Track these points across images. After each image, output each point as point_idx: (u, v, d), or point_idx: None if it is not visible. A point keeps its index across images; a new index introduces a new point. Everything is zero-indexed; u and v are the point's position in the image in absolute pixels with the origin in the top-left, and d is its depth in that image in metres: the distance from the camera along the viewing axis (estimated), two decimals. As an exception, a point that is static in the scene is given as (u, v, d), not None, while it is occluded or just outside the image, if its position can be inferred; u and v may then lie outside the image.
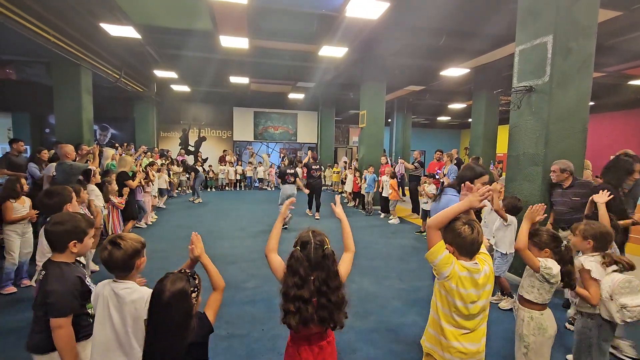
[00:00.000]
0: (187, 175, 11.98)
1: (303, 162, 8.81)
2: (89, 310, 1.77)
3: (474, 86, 10.46)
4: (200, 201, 10.00)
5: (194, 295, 1.37)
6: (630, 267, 2.13)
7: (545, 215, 2.48)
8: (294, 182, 7.27)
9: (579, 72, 3.92)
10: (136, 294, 1.54)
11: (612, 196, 2.73)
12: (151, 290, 1.53)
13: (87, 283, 1.77)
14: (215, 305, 1.54)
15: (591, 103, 4.21)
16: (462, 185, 1.84)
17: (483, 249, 1.72)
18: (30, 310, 1.76)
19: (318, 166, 8.50)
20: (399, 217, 8.06)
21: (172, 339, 1.30)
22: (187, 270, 1.45)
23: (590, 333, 2.13)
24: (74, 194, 2.63)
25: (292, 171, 7.37)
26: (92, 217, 4.32)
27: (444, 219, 1.67)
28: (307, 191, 7.94)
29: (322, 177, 9.02)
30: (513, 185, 4.32)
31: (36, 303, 1.67)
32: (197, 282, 1.42)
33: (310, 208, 8.60)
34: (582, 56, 3.90)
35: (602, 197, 2.69)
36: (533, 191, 4.05)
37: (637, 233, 6.82)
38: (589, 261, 2.12)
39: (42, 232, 2.34)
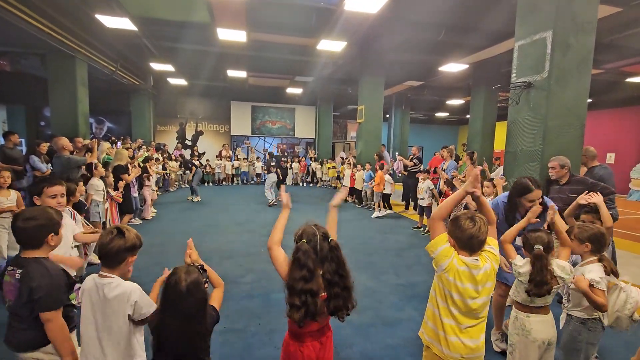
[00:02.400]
0: (186, 171, 11.54)
1: (270, 153, 10.55)
2: (73, 302, 1.80)
3: (473, 82, 10.44)
4: (200, 199, 9.31)
5: (205, 285, 1.45)
6: (615, 274, 2.12)
7: (538, 220, 2.45)
8: (275, 172, 9.07)
9: (578, 68, 3.90)
10: (119, 289, 1.52)
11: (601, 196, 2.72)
12: (134, 285, 1.55)
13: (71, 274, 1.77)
14: (219, 299, 1.62)
15: (589, 100, 4.20)
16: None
17: (492, 247, 1.69)
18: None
19: (286, 158, 11.15)
20: (391, 211, 8.15)
21: (193, 325, 1.36)
22: (196, 264, 1.51)
23: (580, 337, 2.12)
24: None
25: (274, 163, 9.15)
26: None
27: (445, 209, 1.73)
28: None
29: (287, 167, 11.21)
30: (510, 182, 4.33)
31: (18, 303, 1.58)
32: (206, 273, 1.51)
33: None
34: (581, 52, 3.89)
35: (598, 197, 2.64)
36: (530, 187, 4.06)
37: (626, 229, 6.89)
38: (591, 272, 2.03)
39: None
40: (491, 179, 4.45)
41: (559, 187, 3.66)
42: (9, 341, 1.64)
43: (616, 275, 2.10)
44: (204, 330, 1.41)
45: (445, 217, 1.72)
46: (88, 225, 3.63)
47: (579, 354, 2.14)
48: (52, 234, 1.68)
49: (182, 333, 1.35)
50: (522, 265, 2.04)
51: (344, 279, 1.56)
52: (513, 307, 2.17)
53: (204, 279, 1.46)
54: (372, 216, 7.95)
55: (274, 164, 9.03)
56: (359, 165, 9.28)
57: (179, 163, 11.44)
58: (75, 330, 1.78)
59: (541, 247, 1.97)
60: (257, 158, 14.35)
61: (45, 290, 1.56)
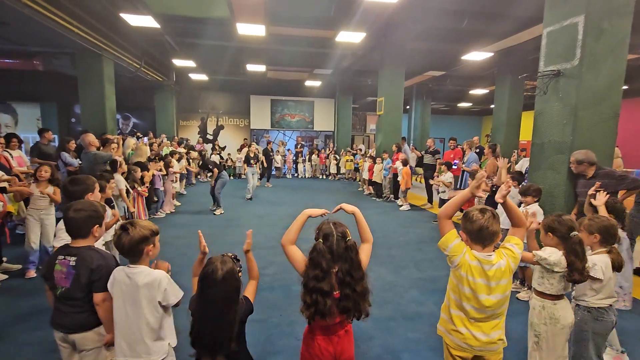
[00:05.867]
0: (209, 174, 10.45)
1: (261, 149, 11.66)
2: None
3: (498, 71, 10.09)
4: (222, 212, 7.27)
5: (240, 275, 1.53)
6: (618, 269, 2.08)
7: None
8: (253, 166, 9.06)
9: (612, 54, 3.69)
10: (148, 277, 1.61)
11: (608, 196, 2.64)
12: (162, 273, 1.65)
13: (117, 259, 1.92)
14: (253, 291, 1.71)
15: (624, 87, 3.97)
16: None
17: (514, 246, 1.67)
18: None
19: (272, 152, 12.32)
20: (409, 204, 8.08)
21: (225, 313, 1.44)
22: (230, 254, 1.58)
23: (586, 327, 2.10)
24: (97, 185, 2.66)
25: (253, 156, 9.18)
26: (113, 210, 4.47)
27: (451, 208, 1.70)
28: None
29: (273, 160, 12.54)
30: (537, 174, 4.18)
31: (77, 286, 1.71)
32: (240, 263, 1.59)
33: (262, 179, 11.37)
34: (615, 37, 3.67)
35: (600, 199, 2.59)
36: (558, 181, 3.91)
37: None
38: (590, 261, 2.03)
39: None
40: (516, 173, 4.27)
41: (585, 182, 3.53)
42: (59, 324, 1.77)
43: (619, 270, 2.08)
44: (236, 317, 1.48)
45: (451, 215, 1.71)
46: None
47: (586, 345, 2.10)
48: (97, 225, 1.84)
49: (219, 319, 1.43)
50: (549, 255, 1.97)
51: (355, 282, 1.55)
52: (535, 297, 2.12)
53: (238, 269, 1.53)
54: (400, 208, 7.88)
55: (253, 157, 9.11)
56: (377, 159, 9.20)
57: (197, 162, 10.05)
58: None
59: (577, 232, 1.95)
60: (276, 151, 14.48)
61: (104, 271, 1.72)
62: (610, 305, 2.11)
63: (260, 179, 11.17)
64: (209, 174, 8.20)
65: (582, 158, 3.49)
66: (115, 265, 1.84)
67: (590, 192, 2.89)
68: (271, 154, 11.82)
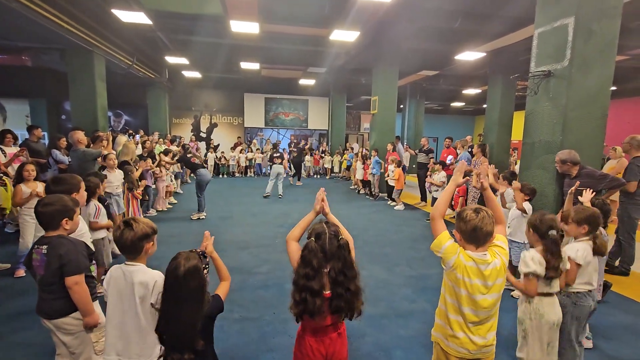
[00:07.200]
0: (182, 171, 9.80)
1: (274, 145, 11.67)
2: (93, 273, 2.02)
3: (490, 71, 10.16)
4: (204, 217, 6.62)
5: (205, 272, 1.50)
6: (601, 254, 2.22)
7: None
8: (280, 163, 8.79)
9: (602, 55, 3.76)
10: (145, 275, 1.61)
11: (594, 193, 2.71)
12: (160, 273, 1.62)
13: (90, 246, 1.97)
14: (225, 291, 1.67)
15: (613, 88, 4.05)
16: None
17: (502, 243, 1.68)
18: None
19: (297, 149, 12.58)
20: (404, 203, 8.12)
21: (188, 309, 1.41)
22: (198, 250, 1.56)
23: (565, 310, 2.17)
24: (82, 183, 2.59)
25: (278, 154, 8.97)
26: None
27: (442, 206, 1.72)
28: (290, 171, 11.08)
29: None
30: (527, 174, 4.24)
31: (49, 273, 1.78)
32: (207, 260, 1.56)
33: (293, 177, 11.93)
34: (605, 39, 3.73)
35: (586, 196, 2.67)
36: (548, 180, 3.97)
37: None
38: (573, 248, 2.16)
39: None
40: (508, 173, 4.29)
41: (569, 181, 3.62)
42: (41, 311, 1.85)
43: (602, 255, 2.21)
44: (200, 315, 1.44)
45: (443, 213, 1.72)
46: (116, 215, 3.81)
47: (569, 330, 2.17)
48: (67, 218, 1.90)
49: (180, 316, 1.39)
50: (529, 267, 2.02)
51: (349, 280, 1.54)
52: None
53: (204, 266, 1.50)
54: (395, 208, 7.92)
55: (277, 155, 8.95)
56: (371, 156, 9.24)
57: (176, 158, 7.94)
58: (99, 306, 1.96)
59: (555, 232, 2.01)
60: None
61: (72, 255, 1.80)
62: (590, 290, 2.19)
63: (293, 176, 11.66)
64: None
65: (566, 157, 3.56)
66: (86, 251, 1.91)
67: (571, 190, 2.96)
68: (304, 153, 12.68)
